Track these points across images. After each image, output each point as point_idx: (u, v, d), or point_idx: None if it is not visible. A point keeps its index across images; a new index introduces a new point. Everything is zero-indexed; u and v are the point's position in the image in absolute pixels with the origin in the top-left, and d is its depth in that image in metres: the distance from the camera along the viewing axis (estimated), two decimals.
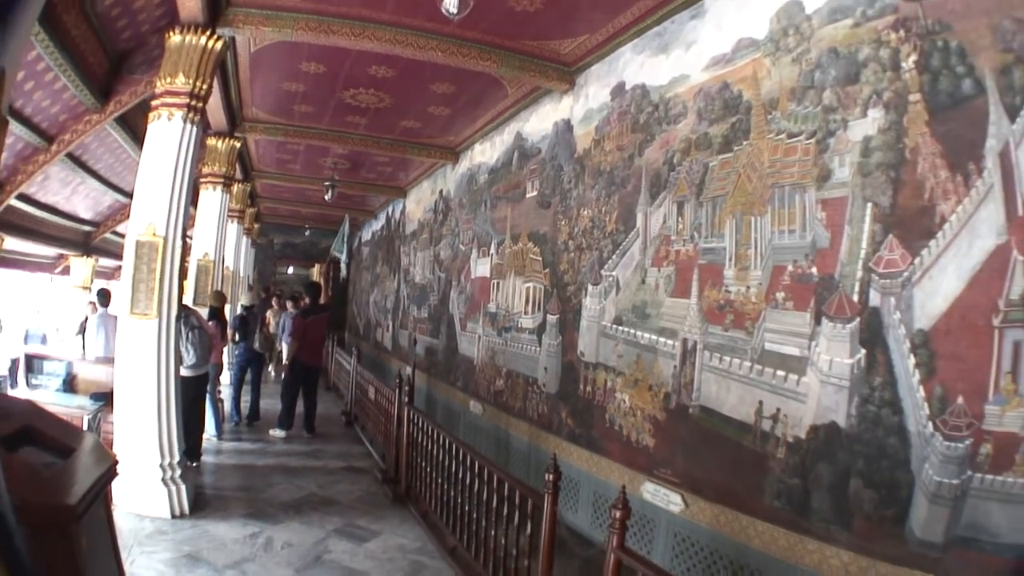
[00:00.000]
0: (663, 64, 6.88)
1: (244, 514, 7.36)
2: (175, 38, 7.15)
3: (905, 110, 4.35)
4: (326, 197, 16.56)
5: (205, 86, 7.37)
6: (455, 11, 5.80)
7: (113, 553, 2.36)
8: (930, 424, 4.01)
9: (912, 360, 4.17)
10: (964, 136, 4.02)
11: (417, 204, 16.81)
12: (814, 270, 4.95)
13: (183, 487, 7.07)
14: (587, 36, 7.71)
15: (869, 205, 4.54)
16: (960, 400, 3.89)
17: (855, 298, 4.60)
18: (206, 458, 9.48)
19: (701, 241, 6.14)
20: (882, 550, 4.22)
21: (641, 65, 7.28)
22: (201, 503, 7.49)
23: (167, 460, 7.01)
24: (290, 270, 33.83)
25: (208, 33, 7.20)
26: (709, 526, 5.59)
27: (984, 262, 3.87)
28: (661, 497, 6.15)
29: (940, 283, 4.08)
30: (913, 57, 4.32)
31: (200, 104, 7.39)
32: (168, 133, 7.18)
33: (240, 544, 6.50)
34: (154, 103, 7.35)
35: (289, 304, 14.81)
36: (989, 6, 3.94)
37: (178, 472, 7.09)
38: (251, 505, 7.72)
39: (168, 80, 7.21)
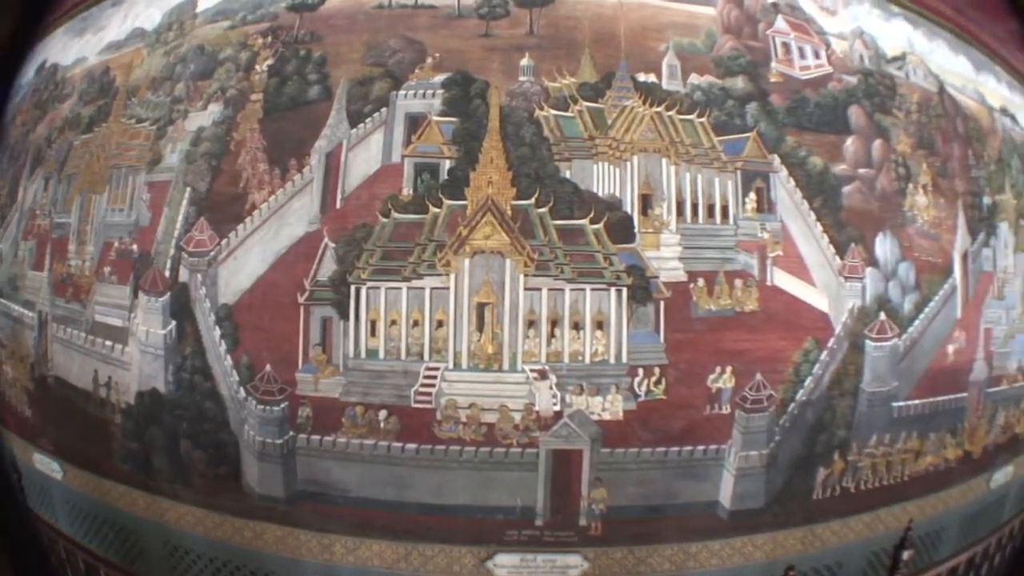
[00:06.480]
0: (75, 45, 5.91)
1: None
2: None
3: (243, 107, 4.13)
4: None
5: None
6: None
7: None
8: (242, 390, 3.85)
9: (218, 331, 3.96)
10: (294, 135, 3.95)
11: None
12: (135, 247, 4.52)
13: None
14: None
15: (188, 190, 4.23)
16: (269, 368, 3.77)
17: (167, 274, 4.26)
18: None
19: (56, 216, 5.36)
20: (228, 505, 4.06)
21: (64, 47, 6.10)
22: None
23: None
24: None
25: None
26: (87, 492, 4.93)
27: (292, 247, 3.85)
28: (47, 465, 5.31)
29: (245, 263, 3.94)
30: (269, 61, 4.15)
31: None
32: None
33: None
34: None
35: None
36: (381, 25, 3.91)
37: None
38: None
39: None
